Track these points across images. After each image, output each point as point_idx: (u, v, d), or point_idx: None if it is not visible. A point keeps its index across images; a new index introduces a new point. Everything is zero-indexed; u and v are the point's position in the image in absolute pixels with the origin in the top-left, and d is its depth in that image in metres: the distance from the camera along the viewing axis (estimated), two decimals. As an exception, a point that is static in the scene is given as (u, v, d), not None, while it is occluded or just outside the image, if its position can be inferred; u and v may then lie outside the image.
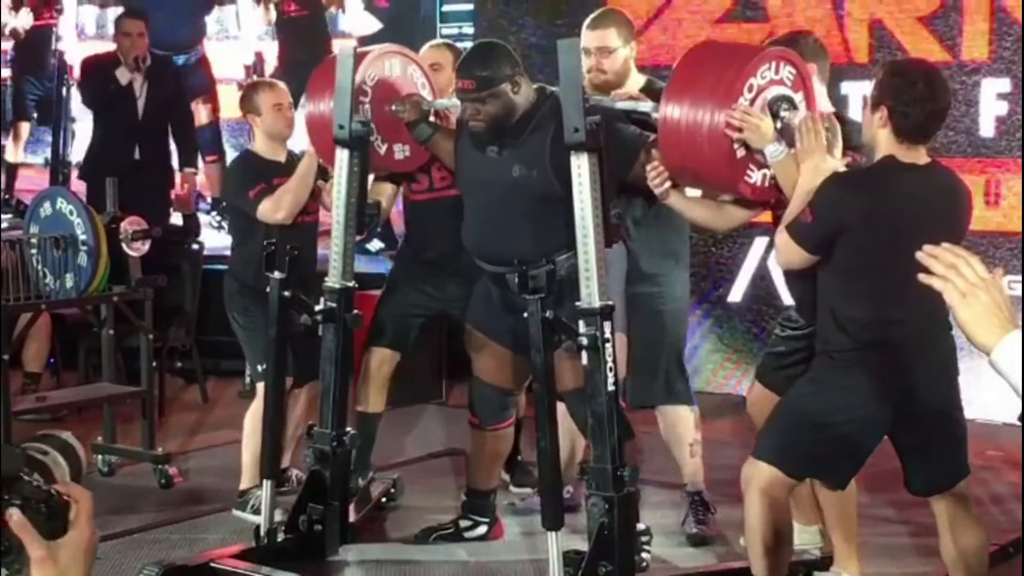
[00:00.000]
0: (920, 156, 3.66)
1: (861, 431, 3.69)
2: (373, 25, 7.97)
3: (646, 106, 4.20)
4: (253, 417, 5.02)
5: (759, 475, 3.69)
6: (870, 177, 3.72)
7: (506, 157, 4.22)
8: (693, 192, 4.28)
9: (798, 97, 3.91)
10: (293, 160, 5.10)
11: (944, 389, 3.72)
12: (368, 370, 4.96)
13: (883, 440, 3.78)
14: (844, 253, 3.66)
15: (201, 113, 8.28)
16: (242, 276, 5.10)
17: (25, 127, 8.93)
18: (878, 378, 3.62)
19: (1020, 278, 6.07)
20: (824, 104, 4.14)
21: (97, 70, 7.64)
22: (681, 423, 4.79)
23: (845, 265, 3.68)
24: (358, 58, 4.52)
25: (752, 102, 3.81)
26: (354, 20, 8.06)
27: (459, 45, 5.49)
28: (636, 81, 4.69)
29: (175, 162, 7.74)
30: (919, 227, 3.54)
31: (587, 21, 4.77)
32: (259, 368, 5.01)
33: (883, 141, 3.64)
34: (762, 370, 4.47)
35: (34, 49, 8.87)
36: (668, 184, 4.02)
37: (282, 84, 5.22)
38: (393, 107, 4.62)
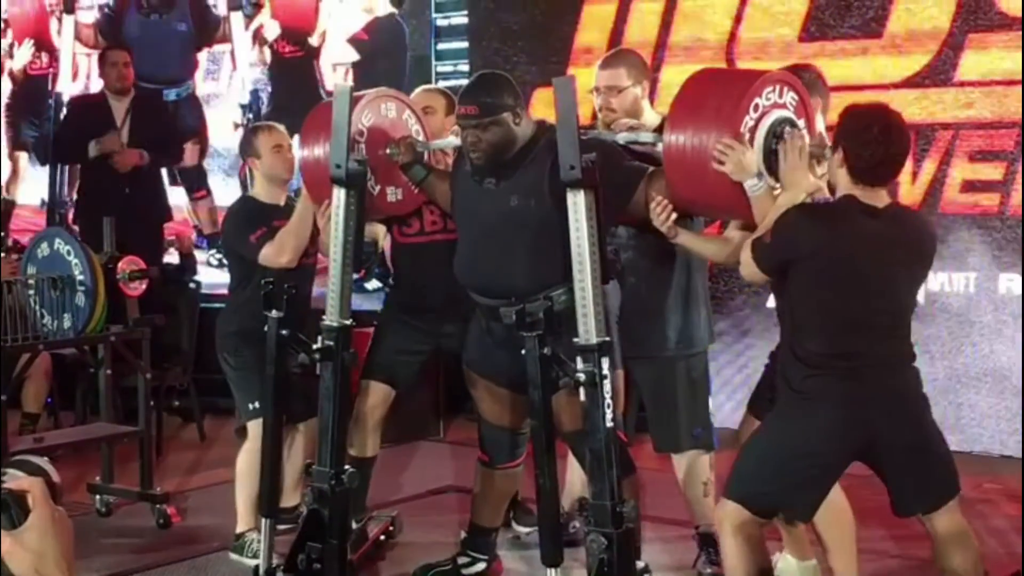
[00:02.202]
0: (880, 198, 3.70)
1: (824, 464, 3.71)
2: (350, 55, 8.06)
3: (647, 136, 4.20)
4: (246, 458, 5.01)
5: (729, 515, 3.71)
6: (827, 214, 3.76)
7: (503, 188, 4.19)
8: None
9: (801, 123, 3.93)
10: (292, 203, 5.07)
11: (915, 413, 3.74)
12: (361, 413, 4.89)
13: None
14: (796, 284, 3.71)
15: (188, 153, 8.31)
16: (237, 319, 5.08)
17: (22, 157, 8.98)
18: (839, 409, 3.65)
19: (1020, 275, 6.06)
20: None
21: (84, 108, 7.82)
22: (697, 464, 4.76)
23: (799, 298, 3.73)
24: (353, 100, 4.53)
25: (757, 123, 3.83)
26: (333, 50, 8.15)
27: (453, 83, 5.50)
28: (651, 119, 4.62)
29: (167, 193, 7.95)
30: (874, 269, 3.64)
31: (599, 61, 4.79)
32: (250, 408, 5.00)
33: (842, 181, 3.71)
34: (752, 400, 4.50)
35: (31, 95, 9.00)
36: (673, 219, 4.03)
37: (281, 126, 5.18)
38: (388, 150, 4.61)
